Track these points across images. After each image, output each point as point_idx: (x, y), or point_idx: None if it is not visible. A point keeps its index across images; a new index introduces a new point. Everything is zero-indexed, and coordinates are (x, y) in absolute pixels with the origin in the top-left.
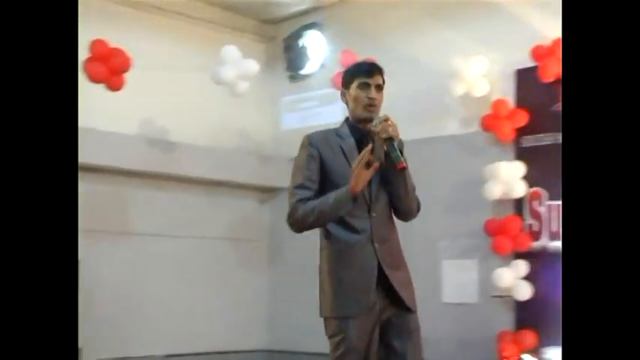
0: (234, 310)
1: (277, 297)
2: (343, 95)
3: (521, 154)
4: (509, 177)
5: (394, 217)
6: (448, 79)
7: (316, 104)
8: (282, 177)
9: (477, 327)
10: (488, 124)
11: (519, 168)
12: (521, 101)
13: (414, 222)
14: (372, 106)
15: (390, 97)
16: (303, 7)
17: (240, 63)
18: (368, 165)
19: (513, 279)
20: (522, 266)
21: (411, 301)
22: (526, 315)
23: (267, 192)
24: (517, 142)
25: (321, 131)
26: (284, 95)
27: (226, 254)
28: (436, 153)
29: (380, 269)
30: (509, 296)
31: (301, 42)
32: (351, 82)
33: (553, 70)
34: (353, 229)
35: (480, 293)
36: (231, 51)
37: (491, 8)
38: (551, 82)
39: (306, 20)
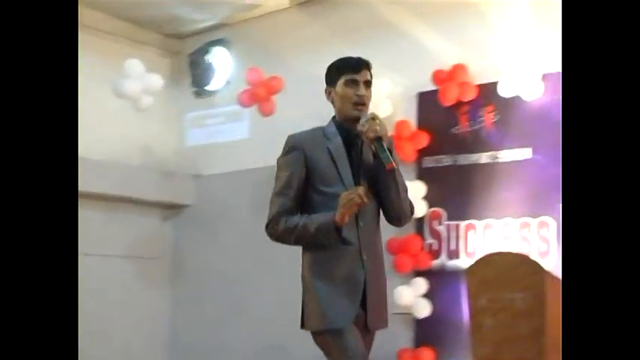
0: (135, 330)
1: (180, 317)
2: (328, 93)
3: (422, 175)
4: (410, 197)
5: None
6: None
7: (222, 121)
8: (187, 193)
9: (378, 344)
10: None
11: (420, 188)
12: (423, 123)
13: None
14: (361, 104)
15: (295, 115)
16: (210, 23)
17: (143, 77)
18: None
19: (413, 297)
20: (422, 284)
21: (378, 321)
22: (425, 332)
23: (170, 209)
24: (418, 162)
25: (307, 131)
26: (189, 111)
27: (127, 272)
28: None
29: (364, 284)
30: (410, 314)
31: (207, 58)
32: (337, 79)
33: (453, 94)
34: (340, 239)
35: None
36: (134, 64)
37: (395, 32)
38: (450, 106)
39: (212, 36)
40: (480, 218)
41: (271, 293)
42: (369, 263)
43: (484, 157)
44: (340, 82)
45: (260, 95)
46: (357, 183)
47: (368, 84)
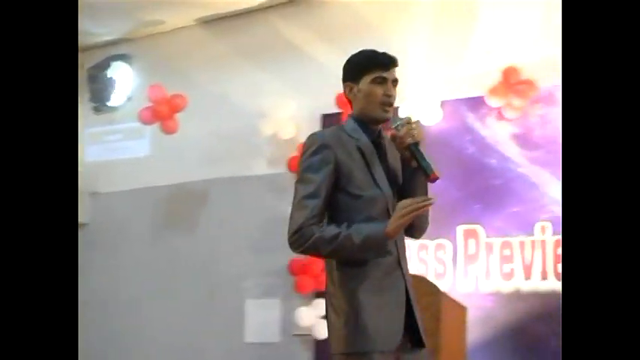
0: None
1: None
2: (349, 89)
3: None
4: None
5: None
6: (257, 120)
7: (121, 138)
8: (83, 211)
9: None
10: (295, 165)
11: None
12: None
13: (220, 260)
14: (389, 105)
15: (198, 134)
16: (111, 37)
17: None
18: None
19: (314, 318)
20: (323, 305)
21: (424, 335)
22: (325, 353)
23: None
24: None
25: (330, 129)
26: (87, 127)
27: None
28: (242, 192)
29: (407, 296)
30: (310, 335)
31: (108, 73)
32: (362, 76)
33: None
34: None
35: (281, 332)
36: None
37: (300, 54)
38: None
39: (113, 51)
40: None
41: (172, 315)
42: (407, 273)
43: None
44: (366, 80)
45: (162, 113)
46: (391, 187)
47: (396, 83)
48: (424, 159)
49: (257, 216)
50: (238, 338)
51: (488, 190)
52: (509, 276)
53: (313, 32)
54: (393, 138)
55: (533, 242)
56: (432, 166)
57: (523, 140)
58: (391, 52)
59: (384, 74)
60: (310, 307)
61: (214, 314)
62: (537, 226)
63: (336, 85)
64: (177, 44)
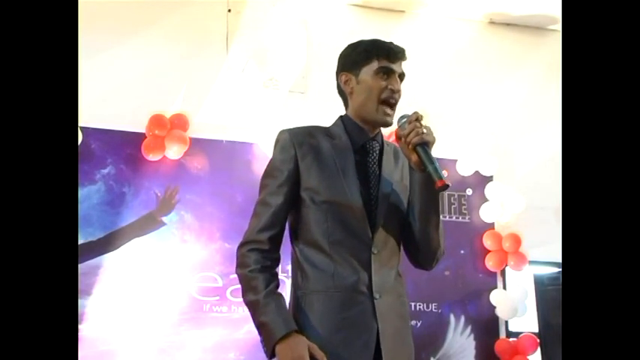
0: None
1: None
2: (344, 81)
3: None
4: None
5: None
6: None
7: None
8: None
9: None
10: None
11: None
12: None
13: None
14: (392, 105)
15: None
16: None
17: None
18: None
19: None
20: None
21: None
22: None
23: None
24: None
25: (308, 126)
26: None
27: None
28: None
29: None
30: None
31: None
32: (363, 65)
33: None
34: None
35: None
36: None
37: None
38: None
39: None
40: None
41: None
42: (385, 306)
43: None
44: (367, 70)
45: None
46: (366, 200)
47: (402, 78)
48: (432, 162)
49: None
50: None
51: None
52: None
53: None
54: (398, 137)
55: None
56: (440, 171)
57: None
58: None
59: (391, 65)
60: None
61: None
62: None
63: None
64: None
